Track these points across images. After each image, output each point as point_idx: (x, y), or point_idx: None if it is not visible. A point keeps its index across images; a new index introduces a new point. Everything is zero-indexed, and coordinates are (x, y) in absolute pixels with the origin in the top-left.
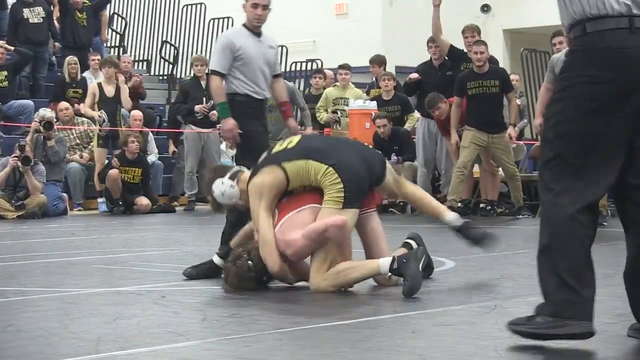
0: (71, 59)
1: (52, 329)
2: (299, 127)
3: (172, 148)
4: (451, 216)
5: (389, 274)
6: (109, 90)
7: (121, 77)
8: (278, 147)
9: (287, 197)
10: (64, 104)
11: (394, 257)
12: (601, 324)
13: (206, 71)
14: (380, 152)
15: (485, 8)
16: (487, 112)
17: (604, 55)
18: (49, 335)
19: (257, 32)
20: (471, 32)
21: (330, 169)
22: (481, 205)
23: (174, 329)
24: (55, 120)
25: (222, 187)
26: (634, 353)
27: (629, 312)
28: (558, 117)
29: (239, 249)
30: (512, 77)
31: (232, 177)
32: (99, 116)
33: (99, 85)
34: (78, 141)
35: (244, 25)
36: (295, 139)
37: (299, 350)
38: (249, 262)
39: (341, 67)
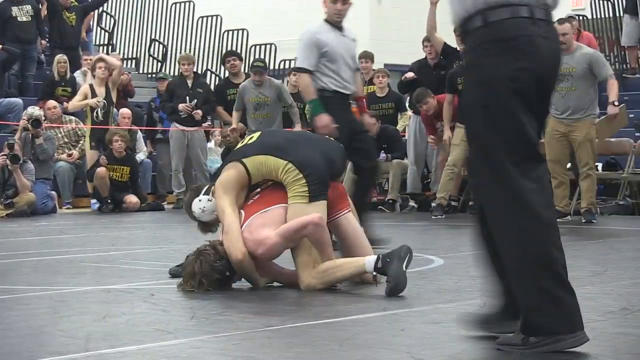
0: (61, 57)
1: (41, 327)
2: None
3: (149, 148)
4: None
5: (374, 272)
6: (100, 92)
7: (111, 77)
8: (240, 144)
9: (252, 198)
10: (51, 103)
11: (378, 256)
12: (591, 321)
13: (193, 70)
14: (341, 145)
15: None
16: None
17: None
18: (38, 333)
19: (339, 26)
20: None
21: (290, 164)
22: (470, 203)
23: (163, 326)
24: (43, 118)
25: (200, 204)
26: (623, 351)
27: (619, 309)
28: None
29: (203, 244)
30: None
31: (206, 193)
32: (97, 102)
33: (91, 86)
34: (66, 140)
35: (326, 20)
36: (256, 135)
37: (288, 348)
38: (213, 257)
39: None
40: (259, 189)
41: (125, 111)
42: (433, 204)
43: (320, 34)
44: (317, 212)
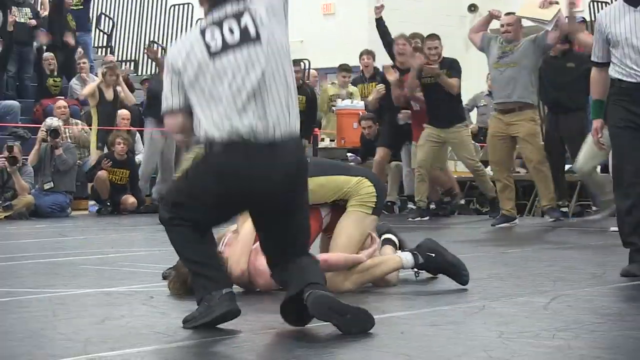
0: (48, 54)
1: (40, 330)
2: None
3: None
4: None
5: (415, 269)
6: (109, 95)
7: (119, 87)
8: None
9: None
10: (62, 102)
11: (414, 253)
12: (589, 323)
13: None
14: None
15: (473, 8)
16: (439, 105)
17: None
18: (37, 336)
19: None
20: (403, 40)
21: (364, 179)
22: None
23: (162, 330)
24: (61, 128)
25: None
26: (622, 352)
27: (617, 311)
28: None
29: None
30: None
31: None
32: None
33: (99, 87)
34: (71, 141)
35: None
36: None
37: (288, 351)
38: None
39: (342, 69)
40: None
41: (123, 112)
42: (411, 207)
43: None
44: (372, 225)
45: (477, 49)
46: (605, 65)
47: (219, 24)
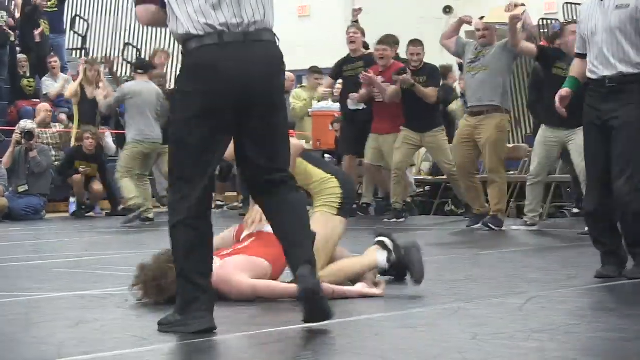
0: (21, 56)
1: (13, 333)
2: None
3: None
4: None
5: (387, 265)
6: (90, 92)
7: (101, 83)
8: None
9: (244, 243)
10: (44, 105)
11: (389, 250)
12: (564, 325)
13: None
14: None
15: (447, 9)
16: (417, 109)
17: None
18: (9, 340)
19: None
20: (383, 45)
21: (332, 177)
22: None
23: (137, 332)
24: (35, 130)
25: None
26: (596, 354)
27: (591, 313)
28: None
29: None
30: None
31: None
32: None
33: (81, 85)
34: (51, 141)
35: None
36: None
37: (263, 354)
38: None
39: (313, 71)
40: (252, 239)
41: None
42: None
43: None
44: (340, 225)
45: (451, 54)
46: (585, 55)
47: None
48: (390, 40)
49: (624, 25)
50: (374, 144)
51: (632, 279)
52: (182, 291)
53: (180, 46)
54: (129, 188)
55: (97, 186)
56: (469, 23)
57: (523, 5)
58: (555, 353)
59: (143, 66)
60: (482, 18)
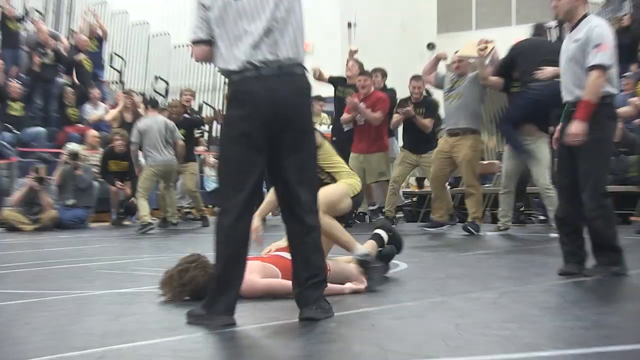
0: (68, 89)
1: (64, 326)
2: None
3: None
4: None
5: (357, 257)
6: (127, 117)
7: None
8: None
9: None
10: (93, 132)
11: (369, 254)
12: (532, 316)
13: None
14: None
15: (431, 46)
16: (415, 135)
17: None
18: (61, 331)
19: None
20: (364, 77)
21: (357, 176)
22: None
23: (168, 324)
24: (81, 152)
25: None
26: (560, 341)
27: (555, 305)
28: None
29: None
30: None
31: None
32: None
33: (120, 113)
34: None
35: None
36: None
37: (276, 341)
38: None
39: (318, 98)
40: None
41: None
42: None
43: None
44: (347, 204)
45: (432, 87)
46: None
47: None
48: (370, 72)
49: (579, 55)
50: (354, 162)
51: (590, 277)
52: (211, 290)
53: (226, 78)
54: (142, 207)
55: (128, 191)
56: (445, 59)
57: (492, 42)
58: (525, 340)
59: (153, 103)
60: (456, 52)
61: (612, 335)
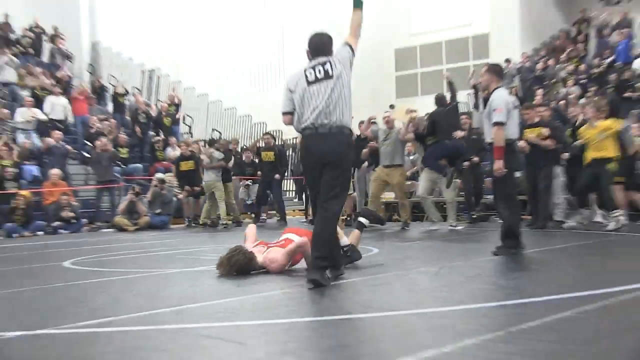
0: (156, 137)
1: (154, 292)
2: None
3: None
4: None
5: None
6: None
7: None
8: None
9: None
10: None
11: (351, 245)
12: (460, 282)
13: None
14: None
15: (392, 106)
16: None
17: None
18: (153, 295)
19: None
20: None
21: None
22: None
23: (224, 290)
24: (165, 178)
25: None
26: (478, 296)
27: (476, 275)
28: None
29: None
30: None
31: None
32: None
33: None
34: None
35: None
36: None
37: (303, 301)
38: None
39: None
40: (283, 239)
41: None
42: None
43: None
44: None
45: (369, 138)
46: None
47: (313, 67)
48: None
49: (488, 112)
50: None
51: (498, 255)
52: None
53: (298, 133)
54: (222, 210)
55: (197, 188)
56: (374, 119)
57: (415, 111)
58: (455, 297)
59: (210, 142)
60: (386, 112)
61: (514, 293)
